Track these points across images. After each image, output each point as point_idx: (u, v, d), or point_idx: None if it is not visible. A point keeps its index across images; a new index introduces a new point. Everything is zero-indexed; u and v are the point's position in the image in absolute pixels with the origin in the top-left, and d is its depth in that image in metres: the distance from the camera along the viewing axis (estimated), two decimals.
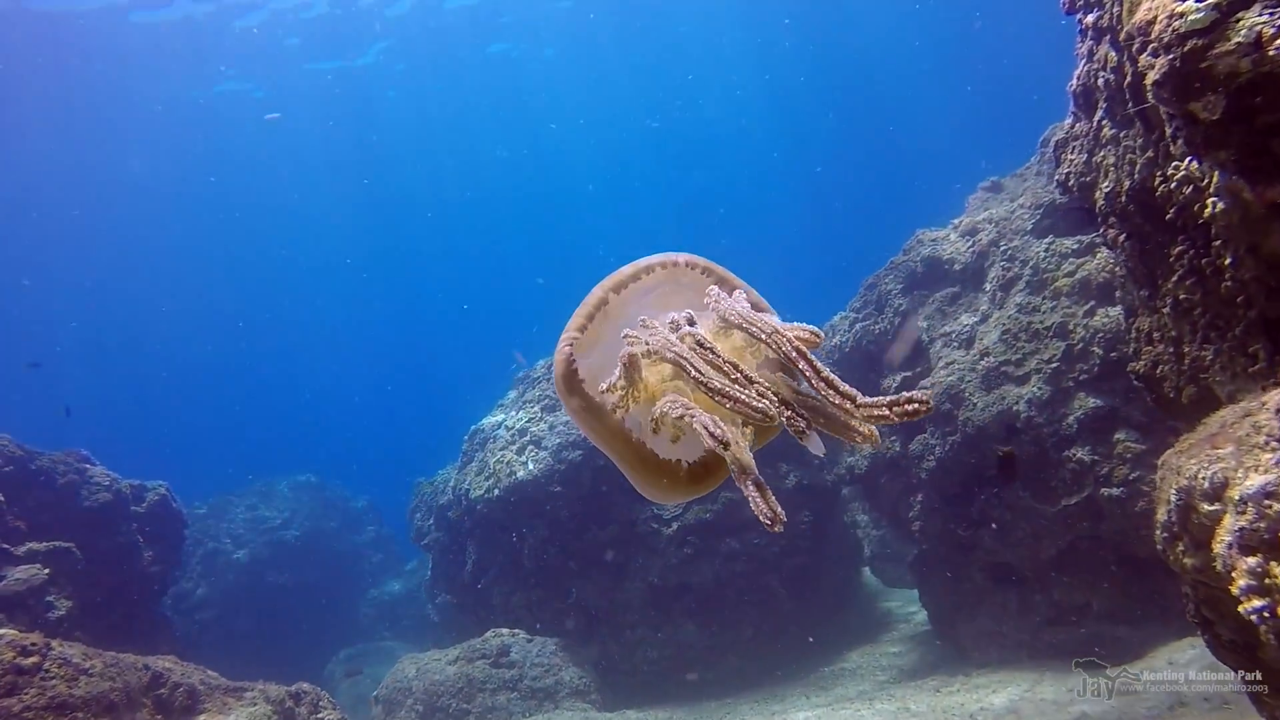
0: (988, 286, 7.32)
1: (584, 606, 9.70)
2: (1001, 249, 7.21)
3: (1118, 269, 3.00)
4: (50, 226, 33.91)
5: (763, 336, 1.34)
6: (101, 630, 9.06)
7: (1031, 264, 6.79)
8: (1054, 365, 6.20)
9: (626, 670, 9.25)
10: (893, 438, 8.06)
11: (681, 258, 1.49)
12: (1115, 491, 5.69)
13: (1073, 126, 3.22)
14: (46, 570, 8.63)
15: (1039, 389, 6.23)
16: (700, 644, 9.16)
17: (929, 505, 7.34)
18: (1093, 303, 6.12)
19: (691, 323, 1.36)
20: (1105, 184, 2.64)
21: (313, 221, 44.76)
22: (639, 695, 9.10)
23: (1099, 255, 6.22)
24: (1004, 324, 6.80)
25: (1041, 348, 6.39)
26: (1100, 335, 5.91)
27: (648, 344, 1.31)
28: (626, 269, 1.46)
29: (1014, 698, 5.66)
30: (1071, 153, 3.20)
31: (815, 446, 1.29)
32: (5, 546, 8.62)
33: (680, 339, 1.32)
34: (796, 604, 9.62)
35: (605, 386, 1.35)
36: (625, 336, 1.32)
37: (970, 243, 7.85)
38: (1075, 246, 6.49)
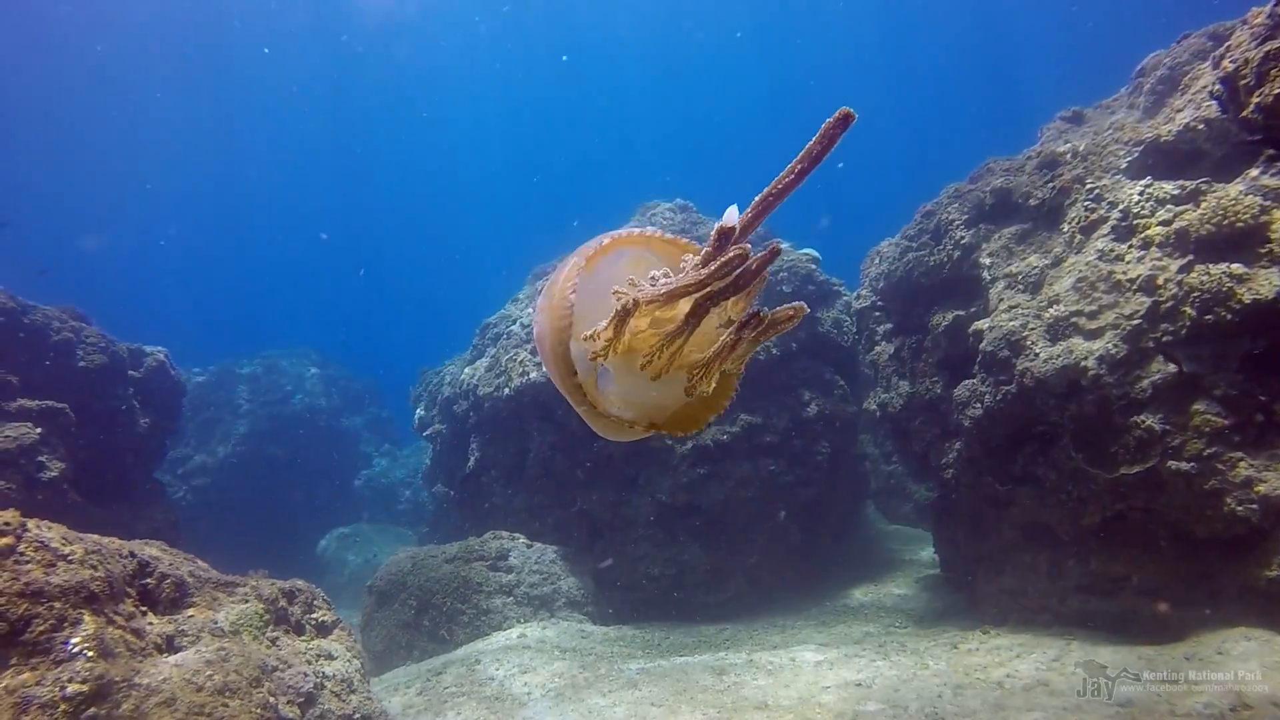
0: (1065, 228, 6.67)
1: (588, 517, 9.47)
2: (1087, 187, 6.51)
3: None
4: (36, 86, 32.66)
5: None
6: (94, 494, 8.84)
7: (1121, 207, 6.13)
8: (1135, 322, 5.64)
9: (626, 585, 9.09)
10: (935, 379, 7.59)
11: (654, 231, 1.53)
12: (1184, 466, 5.24)
13: None
14: (38, 430, 8.31)
15: (1114, 346, 5.70)
16: (703, 566, 8.97)
17: (967, 454, 6.93)
18: (1190, 257, 5.50)
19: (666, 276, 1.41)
20: None
21: (323, 99, 43.17)
22: (637, 611, 8.98)
23: (1205, 204, 5.56)
24: (1080, 271, 6.20)
25: (1122, 301, 5.81)
26: (1195, 295, 5.32)
27: (637, 295, 1.34)
28: (608, 238, 1.47)
29: (1041, 666, 5.39)
30: None
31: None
32: None
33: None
34: (804, 535, 9.40)
35: (589, 334, 1.37)
36: (615, 292, 1.36)
37: (1048, 177, 7.14)
38: (1176, 192, 5.81)
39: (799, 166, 1.27)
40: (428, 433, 13.07)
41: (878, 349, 8.68)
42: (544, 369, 9.57)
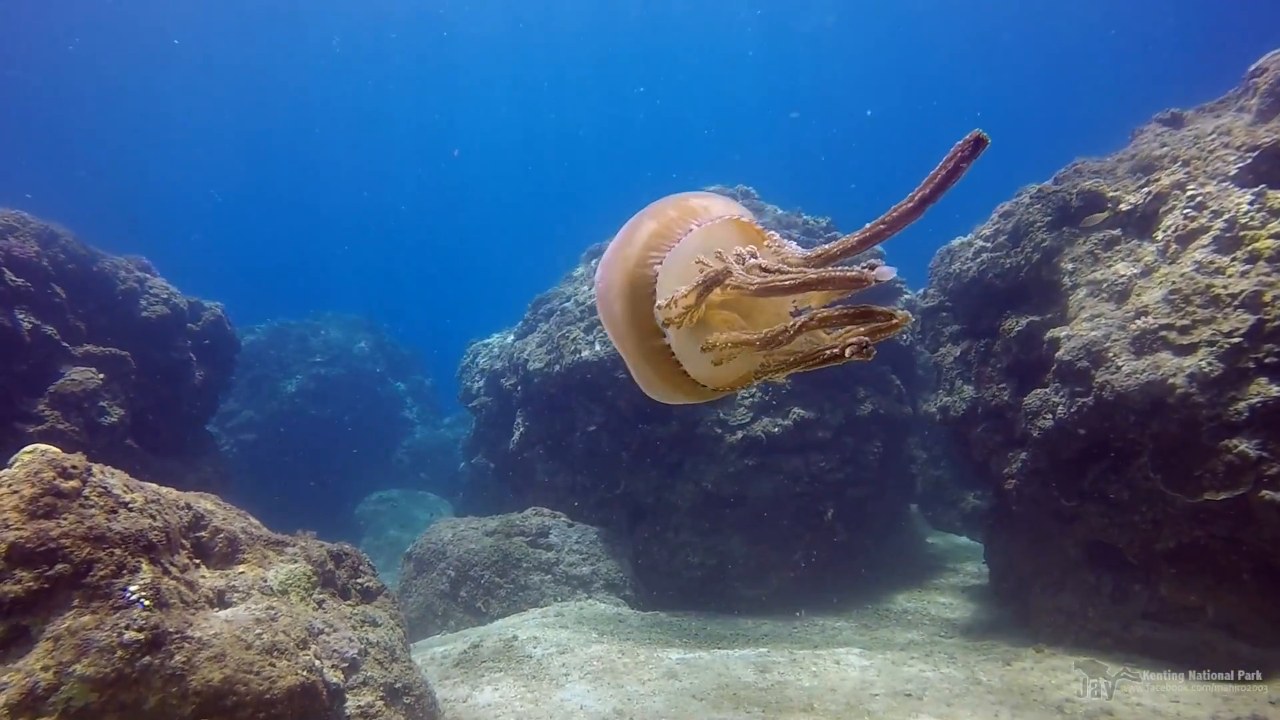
0: (1159, 235, 6.31)
1: (631, 500, 9.38)
2: (1188, 194, 6.15)
3: None
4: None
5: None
6: (148, 442, 8.99)
7: (1227, 216, 5.77)
8: (1234, 340, 5.31)
9: (665, 572, 8.99)
10: (1002, 386, 7.30)
11: (734, 206, 1.47)
12: None
13: None
14: (101, 375, 8.46)
15: (1207, 364, 5.38)
16: (745, 558, 8.82)
17: (1033, 465, 6.65)
18: None
19: (754, 256, 1.37)
20: None
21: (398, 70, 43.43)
22: (673, 599, 8.87)
23: None
24: (1174, 282, 5.86)
25: (1220, 317, 5.48)
26: None
27: (731, 271, 1.30)
28: (683, 201, 1.45)
29: (1103, 693, 5.15)
30: None
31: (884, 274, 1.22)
32: (65, 345, 8.42)
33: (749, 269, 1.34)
34: (850, 535, 9.18)
35: (668, 300, 1.33)
36: (698, 263, 1.34)
37: (1143, 181, 6.77)
38: None
39: (922, 193, 1.17)
40: (473, 404, 13.09)
41: (942, 350, 8.39)
42: (594, 344, 9.47)
